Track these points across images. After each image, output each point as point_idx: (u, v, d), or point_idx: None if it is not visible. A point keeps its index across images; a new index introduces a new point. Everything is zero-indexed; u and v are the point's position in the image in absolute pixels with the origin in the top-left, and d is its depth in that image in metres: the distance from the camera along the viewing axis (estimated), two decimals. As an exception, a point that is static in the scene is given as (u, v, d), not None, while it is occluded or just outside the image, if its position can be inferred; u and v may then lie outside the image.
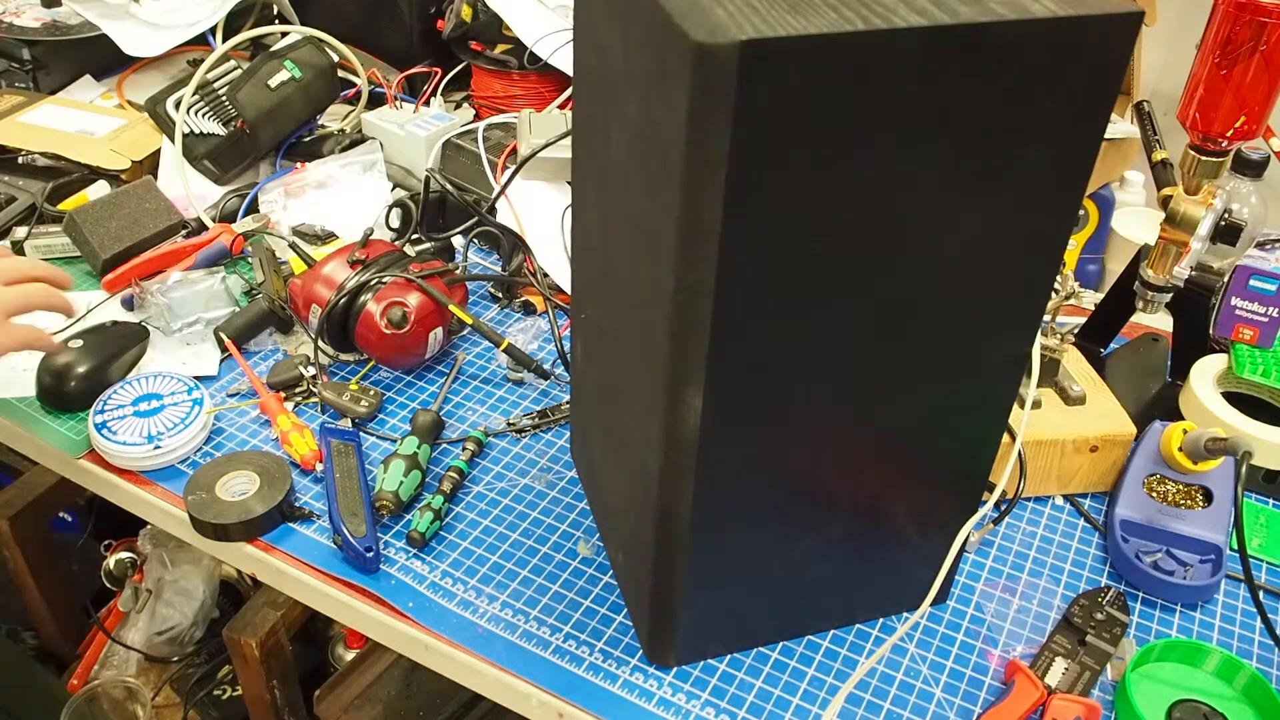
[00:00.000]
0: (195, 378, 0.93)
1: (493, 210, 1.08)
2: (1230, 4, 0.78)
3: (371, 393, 0.92)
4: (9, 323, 0.80)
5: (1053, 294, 0.84)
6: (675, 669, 0.72)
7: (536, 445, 0.90)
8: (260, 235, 1.07)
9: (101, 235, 1.04)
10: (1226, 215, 0.85)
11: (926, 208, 0.54)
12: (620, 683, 0.71)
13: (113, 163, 1.14)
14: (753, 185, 0.50)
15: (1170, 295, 0.91)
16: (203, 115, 1.15)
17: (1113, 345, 1.01)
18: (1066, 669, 0.72)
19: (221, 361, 0.97)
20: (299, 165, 1.18)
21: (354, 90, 1.29)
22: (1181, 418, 0.90)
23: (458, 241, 1.10)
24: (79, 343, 0.92)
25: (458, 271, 1.00)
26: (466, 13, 1.26)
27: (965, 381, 0.63)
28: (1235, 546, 0.80)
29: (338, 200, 1.14)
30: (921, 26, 0.47)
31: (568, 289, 1.00)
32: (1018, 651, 0.75)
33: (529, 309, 1.06)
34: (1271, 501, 0.88)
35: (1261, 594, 0.78)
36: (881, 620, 0.76)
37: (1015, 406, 0.68)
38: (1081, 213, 1.20)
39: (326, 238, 1.07)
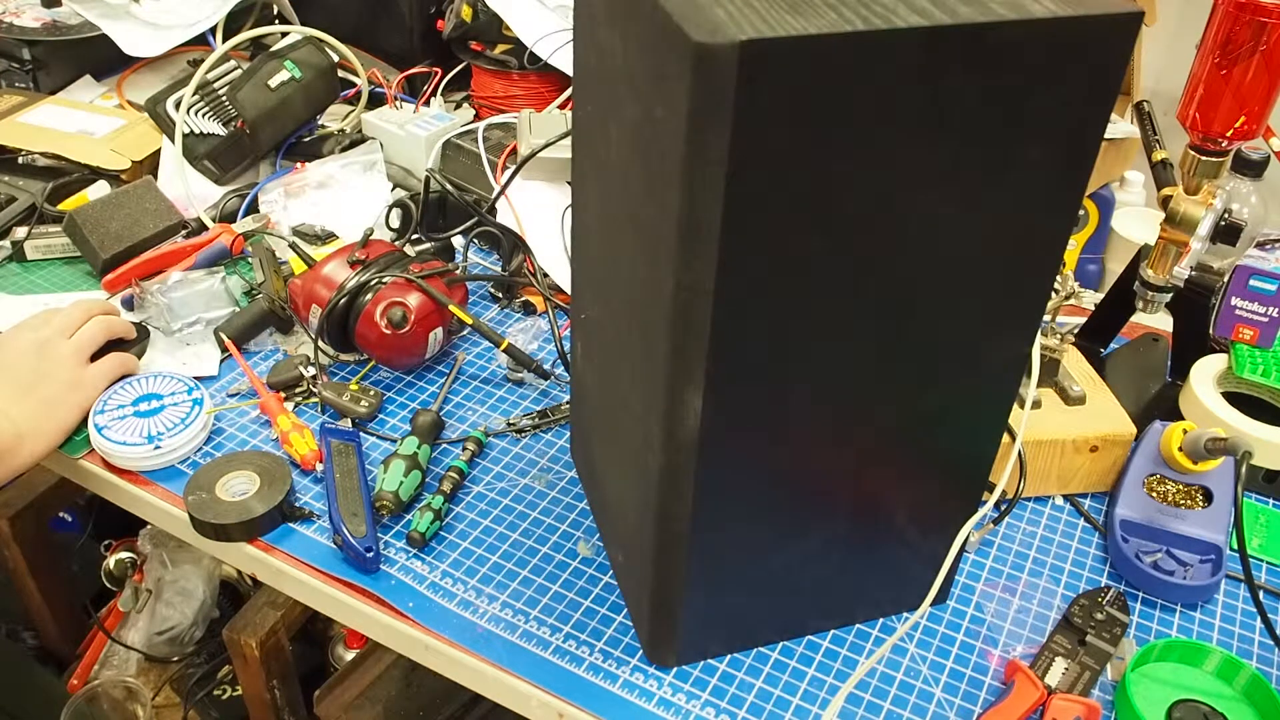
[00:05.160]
0: (195, 378, 0.93)
1: (493, 210, 1.08)
2: (1230, 4, 0.78)
3: (371, 393, 0.92)
4: (90, 365, 0.89)
5: (1053, 294, 0.84)
6: (675, 669, 0.72)
7: (536, 445, 0.90)
8: (260, 235, 1.07)
9: (101, 235, 1.04)
10: (1226, 215, 0.85)
11: (926, 207, 0.54)
12: (620, 683, 0.71)
13: (113, 163, 1.14)
14: (753, 185, 0.50)
15: (1170, 295, 0.91)
16: (203, 115, 1.15)
17: (1113, 345, 1.01)
18: (1066, 669, 0.72)
19: (221, 361, 0.97)
20: (299, 165, 1.18)
21: (354, 90, 1.29)
22: (1181, 418, 0.90)
23: (458, 241, 1.10)
24: (79, 343, 0.93)
25: (458, 271, 1.00)
26: (466, 13, 1.26)
27: (965, 381, 0.63)
28: (1235, 546, 0.79)
29: (338, 200, 1.14)
30: (921, 26, 0.47)
31: (568, 289, 1.00)
32: (1018, 651, 0.75)
33: (529, 309, 1.06)
34: (1271, 501, 0.88)
35: (1261, 594, 0.78)
36: (881, 620, 0.76)
37: (1015, 406, 0.68)
38: (1081, 213, 1.20)
39: (326, 238, 1.07)
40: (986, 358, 0.63)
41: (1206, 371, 0.93)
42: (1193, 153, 0.84)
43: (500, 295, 1.08)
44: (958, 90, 0.50)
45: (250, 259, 1.03)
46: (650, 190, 0.55)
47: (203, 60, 1.17)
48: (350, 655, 1.28)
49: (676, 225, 0.51)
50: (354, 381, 0.94)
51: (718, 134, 0.48)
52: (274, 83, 1.16)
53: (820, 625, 0.75)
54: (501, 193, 1.07)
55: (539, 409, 0.93)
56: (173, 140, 1.14)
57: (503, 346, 0.95)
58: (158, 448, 0.85)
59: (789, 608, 0.72)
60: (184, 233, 1.09)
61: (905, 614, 0.77)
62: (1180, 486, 0.85)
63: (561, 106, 1.26)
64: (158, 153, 1.17)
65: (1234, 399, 0.91)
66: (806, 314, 0.56)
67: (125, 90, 1.28)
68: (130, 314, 1.01)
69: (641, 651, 0.73)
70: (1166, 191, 0.87)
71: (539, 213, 1.08)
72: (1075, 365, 0.91)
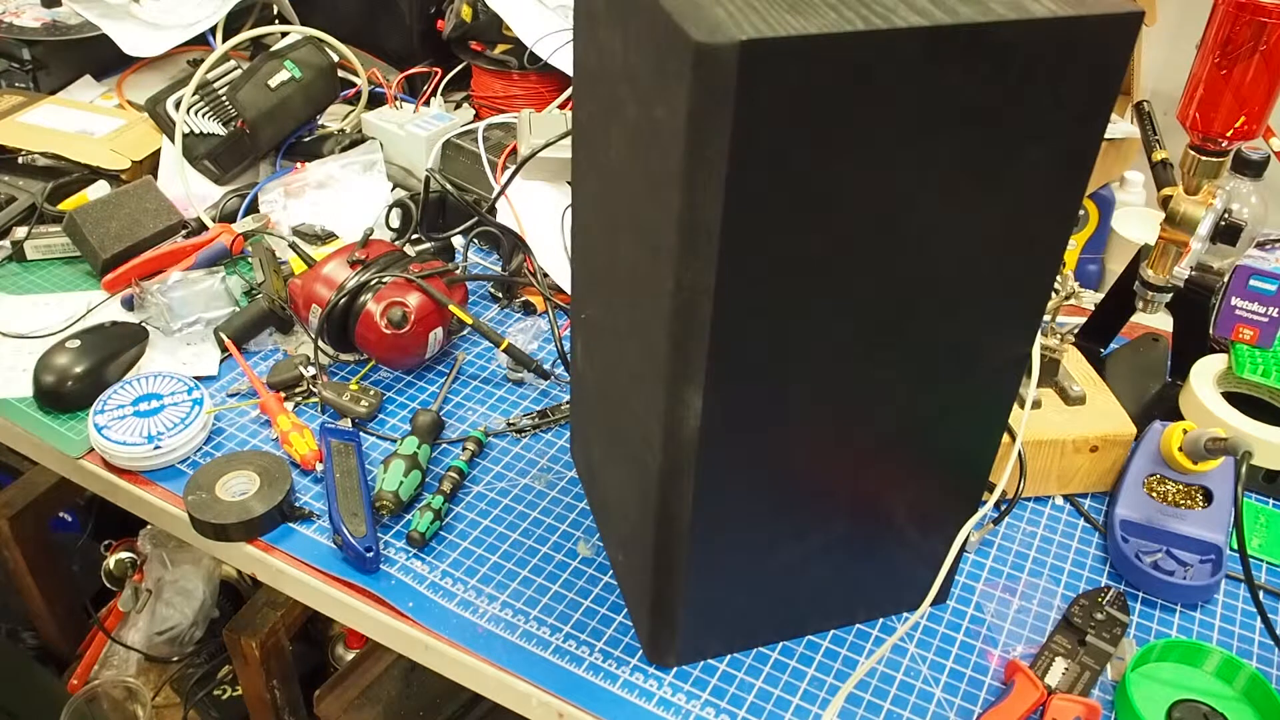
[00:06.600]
0: (195, 378, 0.93)
1: (493, 210, 1.08)
2: (1230, 4, 0.78)
3: (371, 393, 0.92)
4: None
5: (1053, 294, 0.84)
6: (675, 669, 0.72)
7: (536, 445, 0.90)
8: (260, 235, 1.07)
9: (101, 235, 1.04)
10: (1226, 215, 0.85)
11: (926, 207, 0.54)
12: (620, 683, 0.71)
13: (113, 163, 1.14)
14: (753, 185, 0.50)
15: (1170, 295, 0.91)
16: (203, 115, 1.15)
17: (1113, 345, 1.01)
18: (1066, 669, 0.72)
19: (221, 361, 0.97)
20: (299, 165, 1.18)
21: (354, 90, 1.29)
22: (1181, 418, 0.90)
23: (458, 241, 1.10)
24: (77, 343, 0.93)
25: (458, 271, 1.00)
26: (466, 13, 1.26)
27: (965, 382, 0.63)
28: (1235, 546, 0.80)
29: (338, 200, 1.14)
30: (921, 26, 0.47)
31: (568, 289, 1.00)
32: (1018, 651, 0.75)
33: (529, 309, 1.06)
34: (1271, 501, 0.88)
35: (1261, 594, 0.78)
36: (881, 620, 0.76)
37: (1015, 406, 0.68)
38: (1081, 213, 1.20)
39: (326, 238, 1.07)
40: (986, 358, 0.63)
41: (1206, 371, 0.93)
42: (1193, 153, 0.84)
43: (500, 295, 1.08)
44: (958, 90, 0.50)
45: (250, 259, 1.03)
46: (650, 190, 0.55)
47: (203, 60, 1.17)
48: (350, 655, 1.28)
49: (676, 225, 0.51)
50: (354, 381, 0.94)
51: (718, 134, 0.48)
52: (274, 83, 1.16)
53: (820, 625, 0.75)
54: (501, 193, 1.07)
55: (539, 409, 0.93)
56: (173, 140, 1.14)
57: (503, 346, 0.95)
58: (158, 448, 0.85)
59: (789, 608, 0.72)
60: (184, 233, 1.09)
61: (905, 614, 0.77)
62: (1180, 486, 0.85)
63: (561, 106, 1.26)
64: (158, 153, 1.17)
65: (1234, 399, 0.91)
66: (806, 314, 0.56)
67: (125, 90, 1.28)
68: (130, 314, 1.01)
69: (641, 651, 0.73)
70: (1166, 191, 0.87)
71: (539, 213, 1.08)
72: (1075, 365, 0.91)
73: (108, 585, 1.28)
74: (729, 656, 0.73)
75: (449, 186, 1.05)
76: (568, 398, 0.95)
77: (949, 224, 0.55)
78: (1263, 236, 0.93)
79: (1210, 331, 0.94)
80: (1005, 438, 0.74)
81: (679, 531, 0.64)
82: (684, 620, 0.69)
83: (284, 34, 1.23)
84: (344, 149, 1.21)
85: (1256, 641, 0.76)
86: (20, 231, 1.08)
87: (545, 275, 1.04)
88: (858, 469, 0.65)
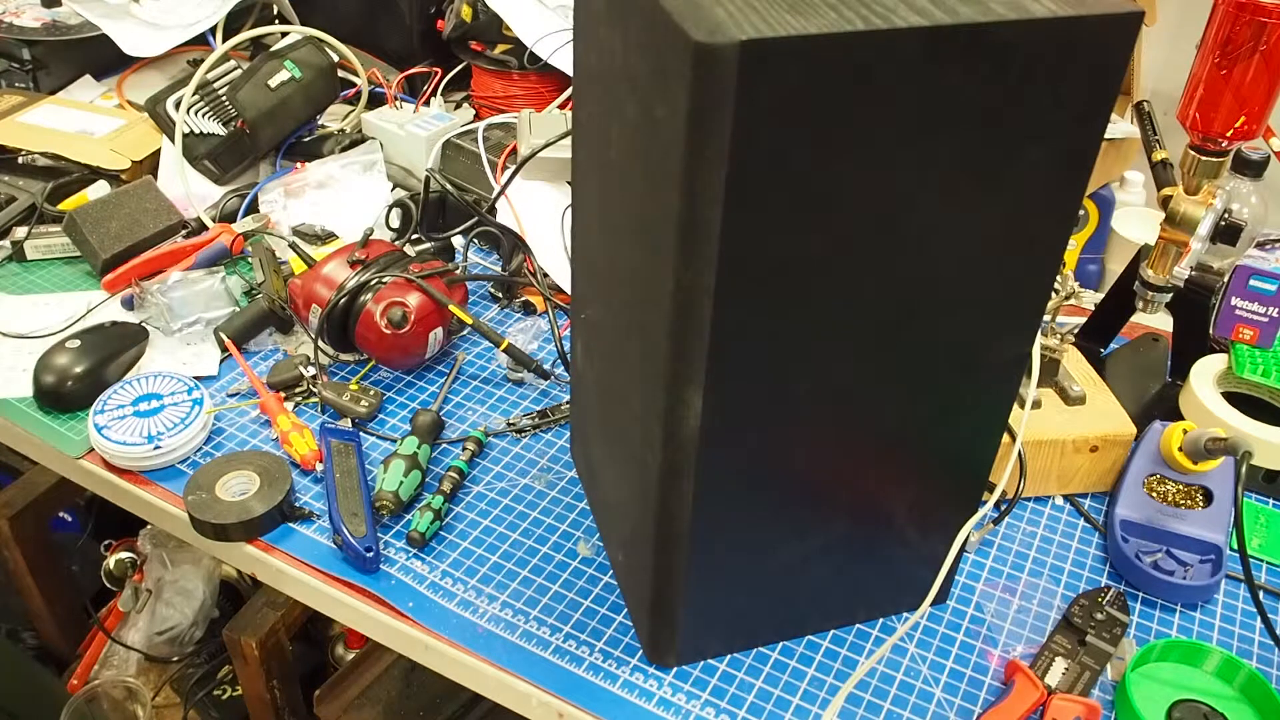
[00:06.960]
0: (195, 378, 0.93)
1: (493, 210, 1.08)
2: (1230, 4, 0.78)
3: (371, 393, 0.92)
4: None
5: (1053, 294, 0.84)
6: (675, 669, 0.72)
7: (536, 445, 0.90)
8: (260, 235, 1.07)
9: (101, 235, 1.04)
10: (1226, 215, 0.85)
11: (926, 207, 0.54)
12: (620, 683, 0.71)
13: (113, 163, 1.14)
14: (753, 185, 0.50)
15: (1170, 295, 0.91)
16: (203, 115, 1.15)
17: (1113, 345, 1.01)
18: (1066, 669, 0.72)
19: (221, 361, 0.97)
20: (299, 165, 1.18)
21: (354, 90, 1.29)
22: (1181, 418, 0.90)
23: (458, 241, 1.10)
24: (77, 343, 0.93)
25: (458, 271, 1.00)
26: (466, 13, 1.26)
27: (965, 382, 0.63)
28: (1235, 546, 0.80)
29: (338, 200, 1.14)
30: (921, 26, 0.47)
31: (568, 289, 1.00)
32: (1018, 651, 0.75)
33: (529, 309, 1.06)
34: (1271, 501, 0.88)
35: (1261, 594, 0.78)
36: (881, 620, 0.76)
37: (1015, 406, 0.68)
38: (1081, 213, 1.20)
39: (326, 238, 1.07)
40: (986, 358, 0.63)
41: (1206, 371, 0.93)
42: (1193, 153, 0.84)
43: (500, 295, 1.08)
44: (958, 90, 0.50)
45: (250, 259, 1.03)
46: (650, 190, 0.55)
47: (203, 60, 1.17)
48: (350, 655, 1.28)
49: (676, 225, 0.51)
50: (354, 381, 0.94)
51: (718, 134, 0.48)
52: (274, 83, 1.16)
53: (820, 625, 0.75)
54: (501, 193, 1.07)
55: (539, 409, 0.93)
56: (173, 140, 1.14)
57: (503, 346, 0.95)
58: (158, 448, 0.85)
59: (789, 608, 0.72)
60: (184, 233, 1.09)
61: (905, 614, 0.77)
62: (1180, 486, 0.85)
63: (561, 106, 1.26)
64: (158, 153, 1.17)
65: (1234, 399, 0.91)
66: (806, 314, 0.56)
67: (125, 90, 1.28)
68: (130, 314, 1.01)
69: (641, 651, 0.73)
70: (1166, 191, 0.87)
71: (539, 213, 1.08)
72: (1075, 365, 0.91)
73: (108, 585, 1.28)
74: (729, 656, 0.73)
75: (449, 186, 1.05)
76: (568, 398, 0.95)
77: (949, 224, 0.55)
78: (1263, 236, 0.93)
79: (1210, 331, 0.94)
80: (1005, 438, 0.74)
81: (679, 531, 0.64)
82: (684, 620, 0.69)
83: (284, 34, 1.23)
84: (344, 149, 1.21)
85: (1256, 641, 0.76)
86: (20, 231, 1.08)
87: (545, 275, 1.04)
88: (858, 469, 0.65)
